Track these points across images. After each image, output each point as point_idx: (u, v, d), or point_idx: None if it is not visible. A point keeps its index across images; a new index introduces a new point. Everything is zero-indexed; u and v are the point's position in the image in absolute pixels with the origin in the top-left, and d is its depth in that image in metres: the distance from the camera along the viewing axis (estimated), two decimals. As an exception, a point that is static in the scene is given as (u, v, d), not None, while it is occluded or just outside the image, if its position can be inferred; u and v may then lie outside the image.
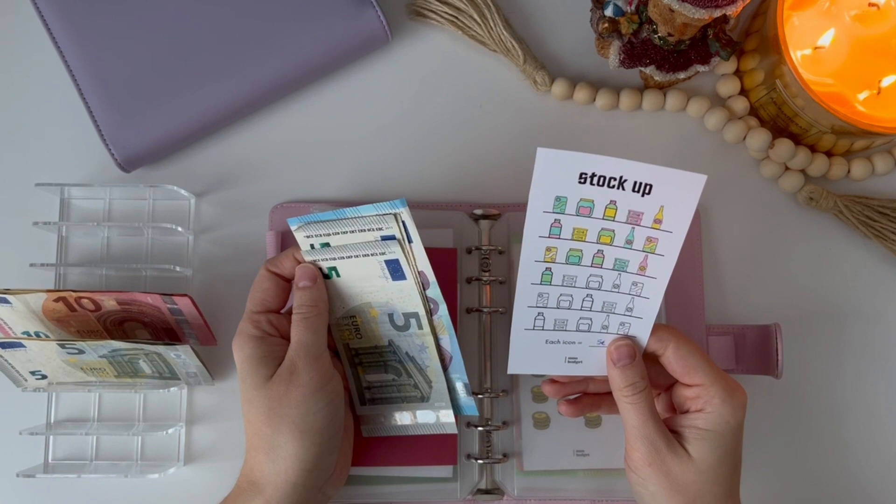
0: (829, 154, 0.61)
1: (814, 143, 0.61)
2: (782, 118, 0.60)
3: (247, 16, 0.59)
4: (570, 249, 0.48)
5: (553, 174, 0.46)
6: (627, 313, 0.50)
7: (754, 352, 0.58)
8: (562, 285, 0.49)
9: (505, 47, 0.61)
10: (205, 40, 0.59)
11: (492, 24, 0.61)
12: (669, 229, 0.48)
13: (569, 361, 0.51)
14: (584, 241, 0.48)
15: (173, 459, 0.59)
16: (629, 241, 0.48)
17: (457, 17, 0.62)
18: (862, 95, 0.58)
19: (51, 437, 0.59)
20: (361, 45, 0.61)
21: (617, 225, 0.48)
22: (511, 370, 0.51)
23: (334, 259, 0.51)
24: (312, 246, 0.52)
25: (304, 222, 0.50)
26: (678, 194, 0.47)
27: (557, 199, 0.47)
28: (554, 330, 0.50)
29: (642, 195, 0.46)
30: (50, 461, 0.59)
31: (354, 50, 0.61)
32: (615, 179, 0.46)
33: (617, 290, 0.50)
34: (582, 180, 0.46)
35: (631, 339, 0.50)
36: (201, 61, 0.59)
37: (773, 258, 0.61)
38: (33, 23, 0.61)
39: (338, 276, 0.51)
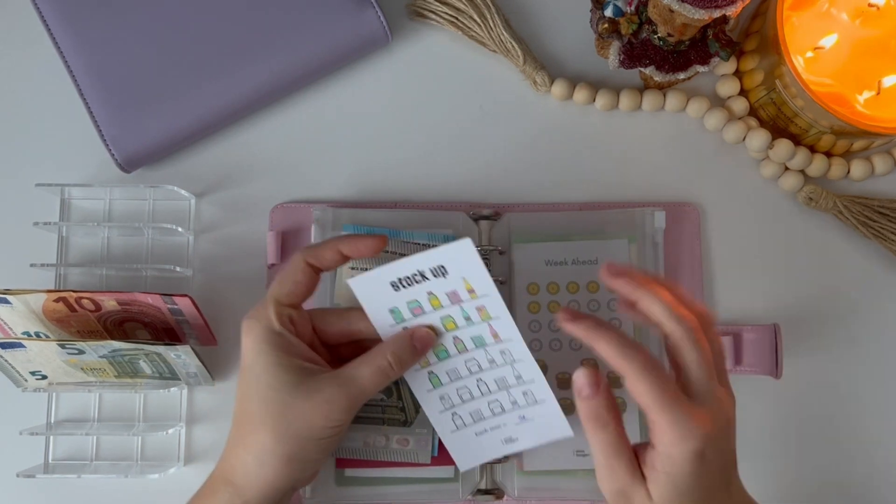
0: (828, 154, 0.61)
1: (813, 144, 0.61)
2: (782, 118, 0.60)
3: (247, 16, 0.59)
4: (434, 347, 0.50)
5: (373, 294, 0.49)
6: (520, 383, 0.51)
7: (754, 352, 0.58)
8: (452, 381, 0.51)
9: (505, 48, 0.61)
10: (205, 41, 0.59)
11: (491, 25, 0.61)
12: (484, 293, 0.48)
13: (506, 442, 0.53)
14: (437, 335, 0.50)
15: (173, 459, 0.59)
16: (468, 319, 0.49)
17: (457, 18, 0.62)
18: (862, 96, 0.58)
19: (51, 437, 0.59)
20: (361, 46, 0.61)
21: (448, 310, 0.49)
22: (462, 469, 0.53)
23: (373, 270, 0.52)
24: None
25: (360, 232, 0.54)
26: (464, 262, 0.47)
27: (391, 311, 0.49)
28: (475, 423, 0.52)
29: (444, 277, 0.48)
30: (50, 461, 0.59)
31: (354, 50, 0.61)
32: (417, 274, 0.48)
33: (495, 364, 0.51)
34: (395, 288, 0.48)
35: (595, 366, 0.46)
36: (201, 61, 0.59)
37: (773, 258, 0.61)
38: (33, 23, 0.61)
39: None
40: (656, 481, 0.44)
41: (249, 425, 0.48)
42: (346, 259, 0.50)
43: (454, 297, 0.49)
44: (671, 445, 0.43)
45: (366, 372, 0.48)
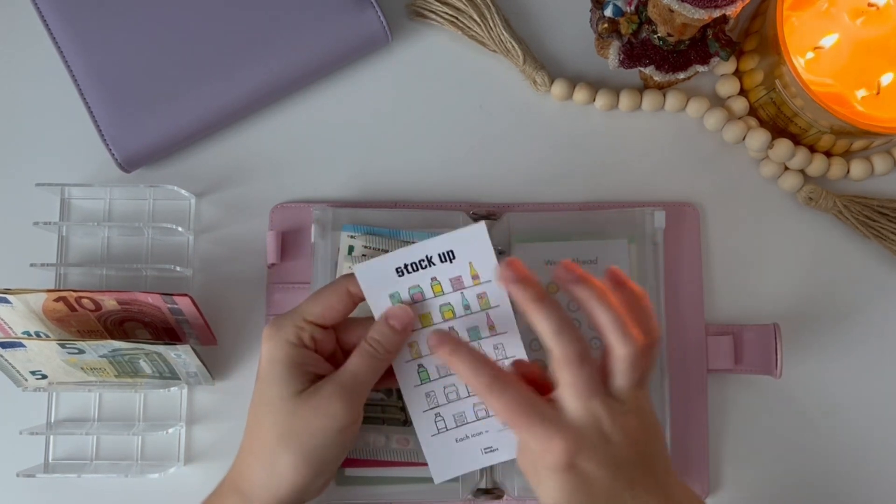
0: (828, 154, 0.61)
1: (813, 144, 0.61)
2: (781, 118, 0.60)
3: (247, 16, 0.59)
4: (428, 337, 0.50)
5: (377, 281, 0.49)
6: None
7: (754, 352, 0.58)
8: (440, 377, 0.52)
9: (505, 47, 0.61)
10: (205, 40, 0.59)
11: (491, 25, 0.61)
12: (488, 278, 0.50)
13: (486, 452, 0.53)
14: (434, 324, 0.51)
15: (173, 459, 0.59)
16: (467, 308, 0.50)
17: (457, 18, 0.62)
18: (861, 95, 0.58)
19: (51, 436, 0.59)
20: (361, 46, 0.61)
21: (449, 297, 0.50)
22: (437, 480, 0.53)
23: None
24: (351, 249, 0.55)
25: (360, 232, 0.56)
26: (474, 247, 0.49)
27: (390, 296, 0.50)
28: (457, 427, 0.52)
29: (451, 262, 0.49)
30: (50, 461, 0.59)
31: (354, 50, 0.61)
32: (424, 260, 0.49)
33: None
34: (400, 273, 0.49)
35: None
36: (201, 61, 0.59)
37: (773, 258, 0.61)
38: (33, 23, 0.61)
39: None
40: (545, 487, 0.45)
41: (259, 434, 0.48)
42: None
43: (457, 283, 0.50)
44: (538, 457, 0.45)
45: (354, 360, 0.49)
